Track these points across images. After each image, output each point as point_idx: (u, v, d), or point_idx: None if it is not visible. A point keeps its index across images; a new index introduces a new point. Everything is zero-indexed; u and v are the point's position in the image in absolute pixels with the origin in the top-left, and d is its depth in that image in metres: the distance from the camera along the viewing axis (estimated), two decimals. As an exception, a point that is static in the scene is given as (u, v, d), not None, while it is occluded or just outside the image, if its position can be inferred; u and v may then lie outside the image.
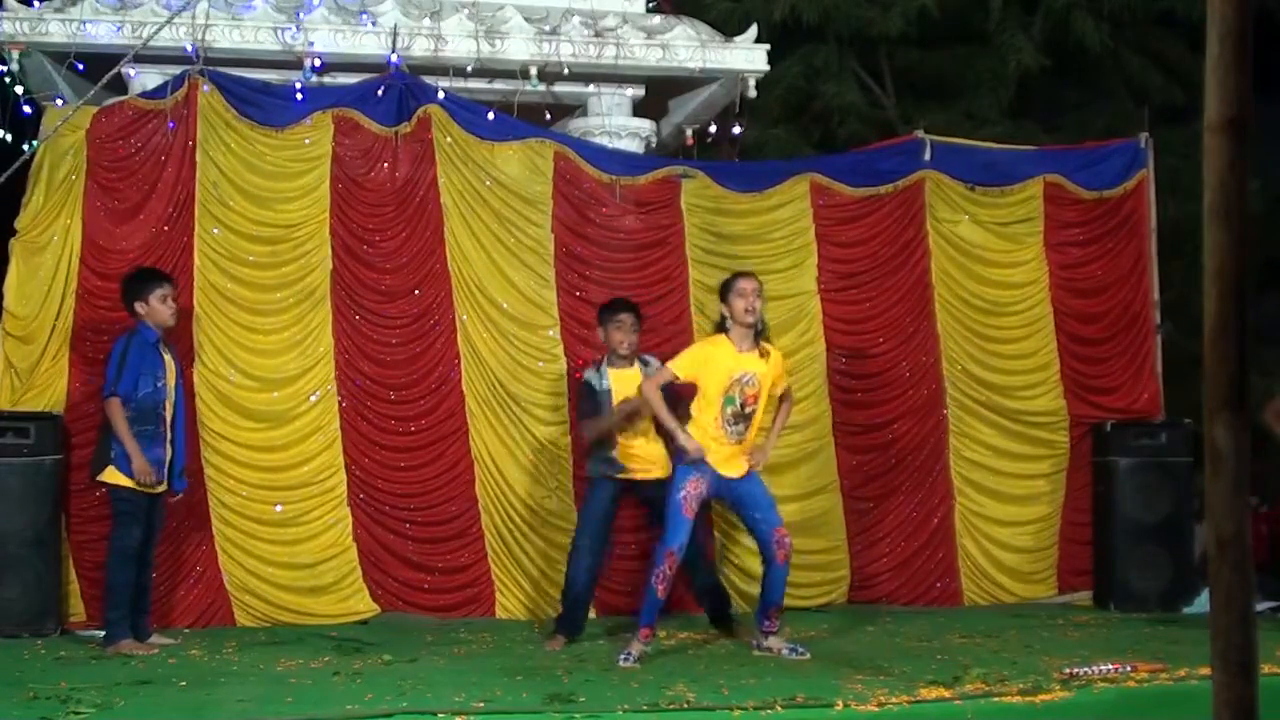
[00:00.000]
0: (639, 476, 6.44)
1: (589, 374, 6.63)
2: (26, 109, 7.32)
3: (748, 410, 5.87)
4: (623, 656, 5.74)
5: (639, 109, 8.42)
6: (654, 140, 8.61)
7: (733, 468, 5.90)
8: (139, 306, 6.29)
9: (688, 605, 7.59)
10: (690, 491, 5.82)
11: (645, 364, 6.49)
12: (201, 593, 7.09)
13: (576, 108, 8.50)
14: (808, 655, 5.91)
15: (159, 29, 7.00)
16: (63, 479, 6.79)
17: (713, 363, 5.86)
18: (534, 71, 7.77)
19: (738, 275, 6.08)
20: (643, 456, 6.46)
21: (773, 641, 6.02)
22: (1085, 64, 12.73)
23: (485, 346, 7.47)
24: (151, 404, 6.22)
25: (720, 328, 5.96)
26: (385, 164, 7.48)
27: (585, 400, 6.59)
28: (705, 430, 5.84)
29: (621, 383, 6.44)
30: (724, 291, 5.99)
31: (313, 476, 7.26)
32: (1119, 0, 12.11)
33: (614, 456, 6.44)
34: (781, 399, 6.15)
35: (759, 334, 5.92)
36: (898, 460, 7.99)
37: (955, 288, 8.18)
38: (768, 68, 8.30)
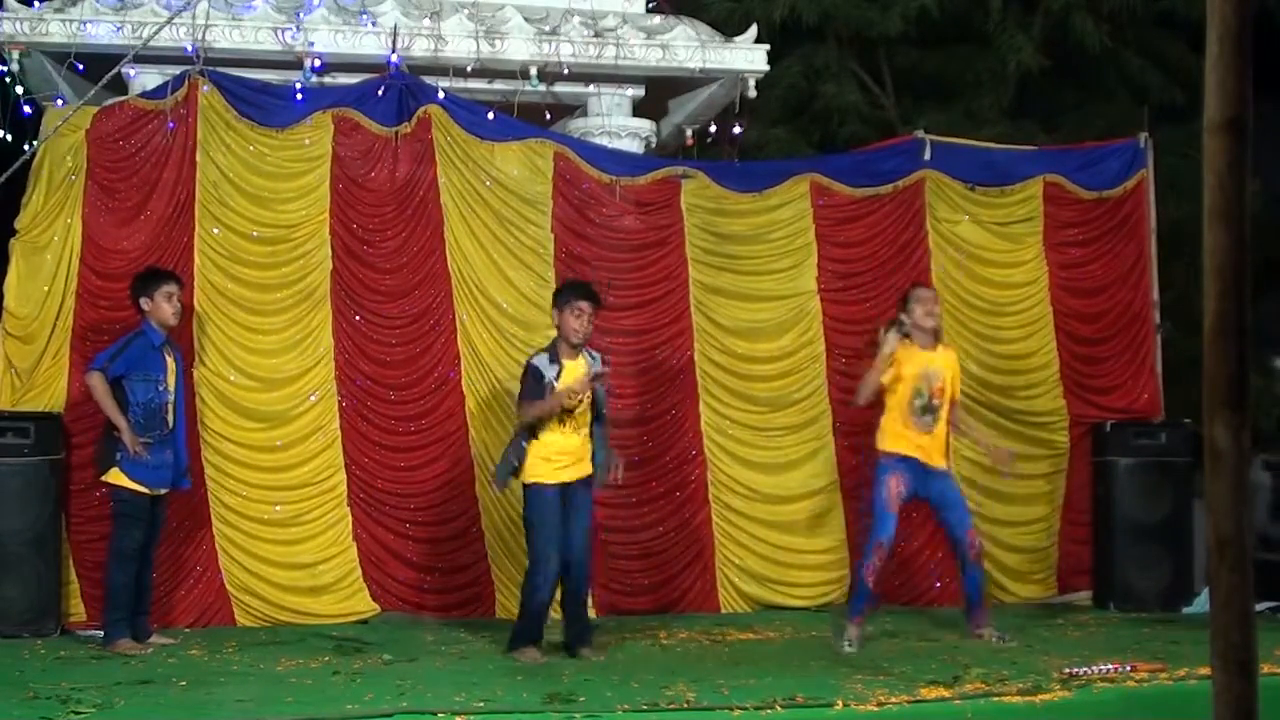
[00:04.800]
0: (568, 477, 6.03)
1: (538, 360, 6.04)
2: (26, 109, 7.32)
3: (934, 403, 6.38)
4: (845, 643, 6.17)
5: (639, 109, 8.42)
6: (654, 140, 8.61)
7: (928, 455, 6.37)
8: (144, 302, 6.31)
9: (686, 605, 7.61)
10: (891, 490, 6.34)
11: (592, 358, 6.13)
12: (201, 593, 7.09)
13: (576, 108, 8.50)
14: (1015, 643, 6.29)
15: (159, 29, 6.99)
16: (63, 479, 6.79)
17: (905, 360, 6.38)
18: (534, 71, 7.77)
19: (915, 285, 6.79)
20: (570, 452, 6.05)
21: (985, 632, 6.44)
22: (1085, 64, 12.71)
23: (485, 346, 7.47)
24: (156, 407, 6.24)
25: (898, 331, 6.39)
26: (385, 164, 7.48)
27: (530, 385, 6.00)
28: (896, 421, 6.39)
29: (567, 375, 5.99)
30: (905, 300, 6.52)
31: (313, 476, 7.27)
32: (1119, 0, 12.11)
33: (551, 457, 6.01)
34: (951, 403, 6.51)
35: (936, 336, 6.49)
36: (898, 460, 7.99)
37: (955, 288, 8.18)
38: (768, 68, 8.30)
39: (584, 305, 6.04)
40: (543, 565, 5.95)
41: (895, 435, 6.40)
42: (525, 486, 6.06)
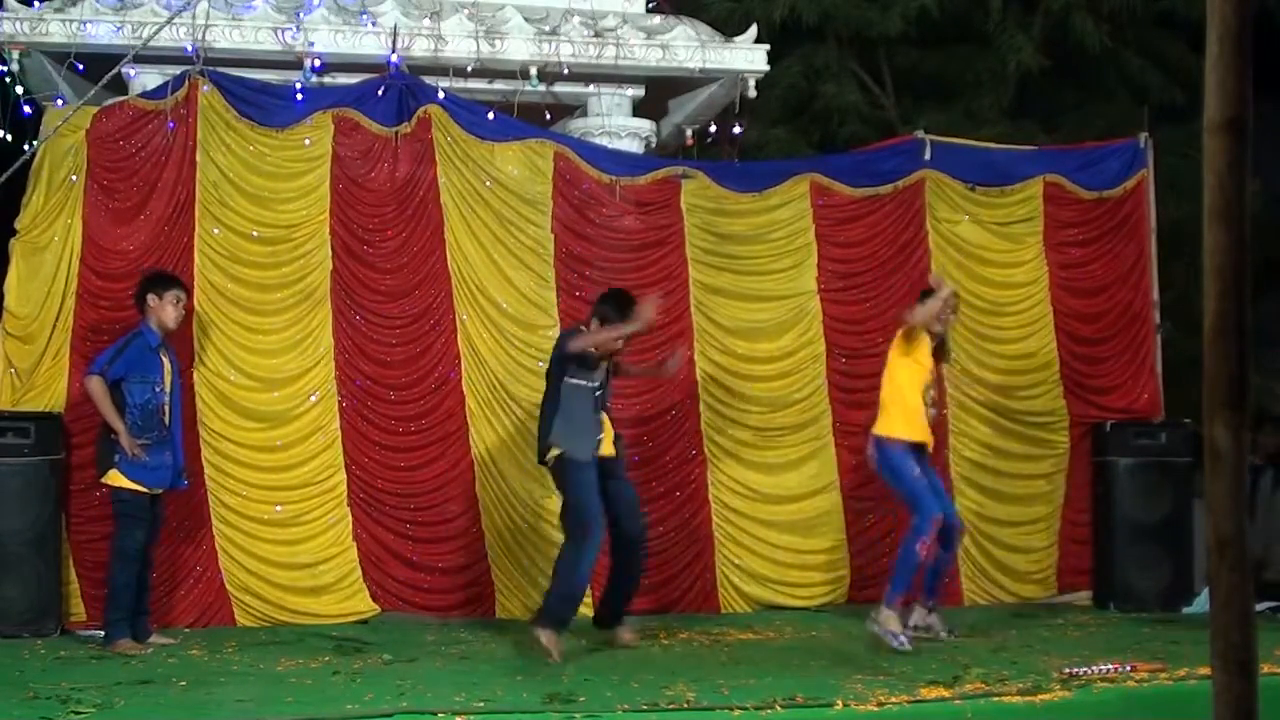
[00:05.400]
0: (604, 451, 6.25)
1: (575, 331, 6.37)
2: (26, 109, 7.32)
3: (932, 395, 6.61)
4: (900, 638, 6.08)
5: (639, 109, 8.42)
6: (654, 140, 8.61)
7: (929, 446, 6.61)
8: (151, 299, 6.34)
9: (686, 605, 7.61)
10: (916, 469, 6.42)
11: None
12: (201, 593, 7.09)
13: (576, 108, 8.50)
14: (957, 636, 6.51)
15: (159, 29, 7.00)
16: (63, 479, 6.79)
17: (927, 351, 6.57)
18: (534, 71, 7.77)
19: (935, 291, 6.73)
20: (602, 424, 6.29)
21: (935, 620, 6.57)
22: (1085, 64, 12.71)
23: (485, 346, 7.47)
24: (153, 409, 6.27)
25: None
26: (385, 164, 7.48)
27: (578, 334, 6.27)
28: (912, 408, 6.48)
29: None
30: (921, 298, 6.63)
31: (313, 476, 7.27)
32: (1119, 0, 12.11)
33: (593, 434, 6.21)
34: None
35: (942, 343, 6.68)
36: (898, 460, 7.99)
37: (955, 288, 8.16)
38: (768, 68, 8.30)
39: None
40: (591, 538, 5.99)
41: (910, 423, 6.47)
42: (562, 460, 6.10)
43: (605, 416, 6.32)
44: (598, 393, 6.23)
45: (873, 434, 6.61)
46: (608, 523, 6.18)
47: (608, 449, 6.27)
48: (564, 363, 6.20)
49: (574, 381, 6.17)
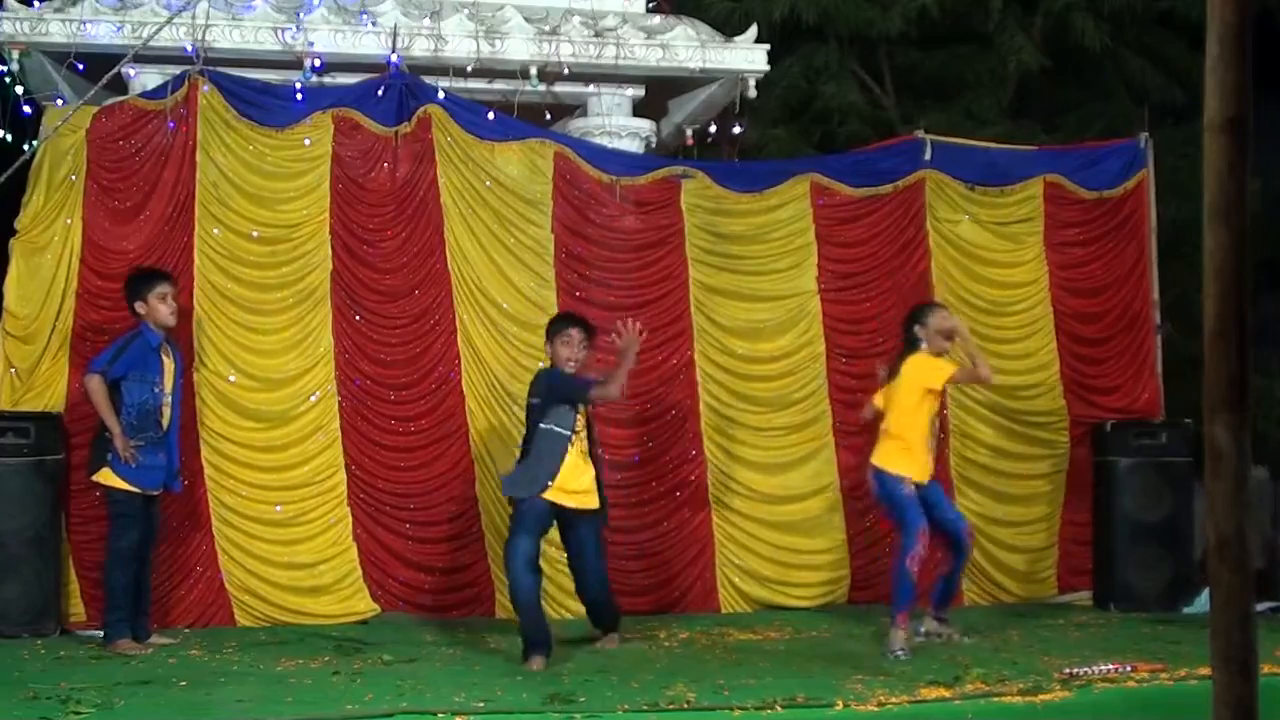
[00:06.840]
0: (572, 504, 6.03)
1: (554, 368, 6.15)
2: (26, 109, 7.32)
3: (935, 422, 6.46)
4: (898, 651, 5.94)
5: (639, 109, 8.42)
6: (654, 140, 8.61)
7: (928, 474, 6.37)
8: (139, 306, 6.32)
9: (686, 605, 7.61)
10: (909, 489, 6.23)
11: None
12: (201, 593, 7.09)
13: (576, 108, 8.50)
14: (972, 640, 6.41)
15: (159, 29, 7.00)
16: (63, 479, 6.79)
17: (935, 374, 6.32)
18: (534, 71, 7.77)
19: (936, 305, 6.73)
20: (573, 469, 6.02)
21: (946, 628, 6.51)
22: (1085, 64, 12.73)
23: (485, 346, 7.47)
24: (150, 409, 6.25)
25: (912, 348, 6.36)
26: (385, 164, 7.49)
27: (568, 380, 6.04)
28: (920, 437, 6.27)
29: None
30: (922, 315, 6.45)
31: (313, 476, 7.26)
32: (1119, 0, 12.12)
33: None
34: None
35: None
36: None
37: (955, 288, 8.18)
38: (768, 68, 8.30)
39: (572, 332, 6.12)
40: (510, 556, 5.88)
41: (909, 461, 6.25)
42: (520, 501, 6.00)
43: (590, 464, 6.09)
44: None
45: (874, 465, 6.35)
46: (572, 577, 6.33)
47: (572, 501, 6.01)
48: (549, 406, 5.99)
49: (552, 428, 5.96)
